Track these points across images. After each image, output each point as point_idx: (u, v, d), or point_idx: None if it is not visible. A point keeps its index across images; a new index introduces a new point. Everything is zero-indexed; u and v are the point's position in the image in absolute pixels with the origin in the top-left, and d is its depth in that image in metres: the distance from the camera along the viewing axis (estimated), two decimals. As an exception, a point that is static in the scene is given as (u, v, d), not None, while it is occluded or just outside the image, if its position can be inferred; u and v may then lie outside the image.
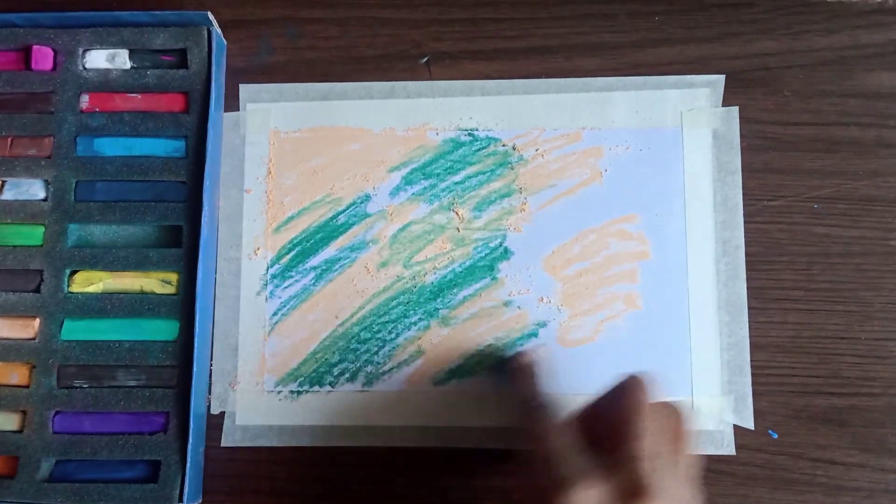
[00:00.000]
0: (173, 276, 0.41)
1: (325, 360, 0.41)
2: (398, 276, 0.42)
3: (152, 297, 0.40)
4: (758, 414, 0.40)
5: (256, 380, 0.41)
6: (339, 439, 0.40)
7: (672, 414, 0.32)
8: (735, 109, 0.42)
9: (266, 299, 0.42)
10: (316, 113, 0.43)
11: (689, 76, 0.42)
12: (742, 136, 0.42)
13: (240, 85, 0.43)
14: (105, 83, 0.42)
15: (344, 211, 0.42)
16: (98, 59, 0.42)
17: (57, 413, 0.40)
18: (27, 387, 0.40)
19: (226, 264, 0.42)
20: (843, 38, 0.43)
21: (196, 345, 0.39)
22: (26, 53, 0.42)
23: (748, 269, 0.41)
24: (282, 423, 0.40)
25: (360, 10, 0.44)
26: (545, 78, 0.43)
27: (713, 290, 0.41)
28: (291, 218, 0.42)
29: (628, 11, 0.44)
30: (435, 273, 0.42)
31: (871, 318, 0.40)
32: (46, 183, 0.41)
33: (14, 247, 0.41)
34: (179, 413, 0.39)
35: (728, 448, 0.39)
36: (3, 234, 0.41)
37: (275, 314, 0.42)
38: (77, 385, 0.40)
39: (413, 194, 0.42)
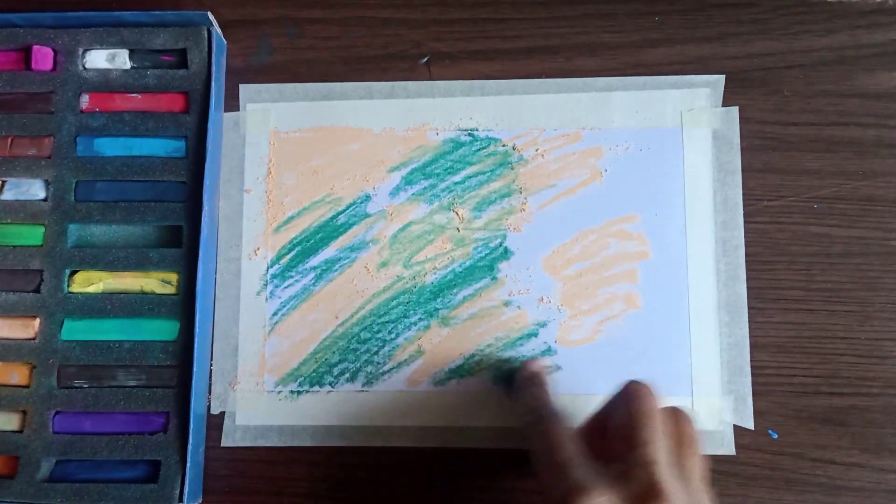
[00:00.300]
0: (173, 276, 0.41)
1: (325, 360, 0.41)
2: (398, 276, 0.42)
3: (152, 297, 0.40)
4: (758, 414, 0.40)
5: (256, 380, 0.41)
6: (339, 439, 0.40)
7: (681, 419, 0.32)
8: (735, 109, 0.42)
9: (266, 299, 0.42)
10: (316, 113, 0.43)
11: (689, 76, 0.42)
12: (742, 136, 0.42)
13: (240, 85, 0.43)
14: (105, 83, 0.42)
15: (344, 211, 0.42)
16: (98, 59, 0.42)
17: (57, 413, 0.40)
18: (27, 387, 0.40)
19: (226, 264, 0.42)
20: (843, 38, 0.43)
21: (196, 345, 0.39)
22: (26, 53, 0.42)
23: (748, 269, 0.41)
24: (282, 423, 0.40)
25: (360, 10, 0.44)
26: (545, 78, 0.43)
27: (713, 290, 0.41)
28: (291, 218, 0.42)
29: (628, 11, 0.44)
30: (435, 273, 0.42)
31: (871, 318, 0.40)
32: (46, 183, 0.41)
33: (14, 247, 0.41)
34: (179, 413, 0.39)
35: (728, 448, 0.39)
36: (3, 234, 0.41)
37: (275, 314, 0.42)
38: (77, 385, 0.40)
39: (413, 194, 0.42)
